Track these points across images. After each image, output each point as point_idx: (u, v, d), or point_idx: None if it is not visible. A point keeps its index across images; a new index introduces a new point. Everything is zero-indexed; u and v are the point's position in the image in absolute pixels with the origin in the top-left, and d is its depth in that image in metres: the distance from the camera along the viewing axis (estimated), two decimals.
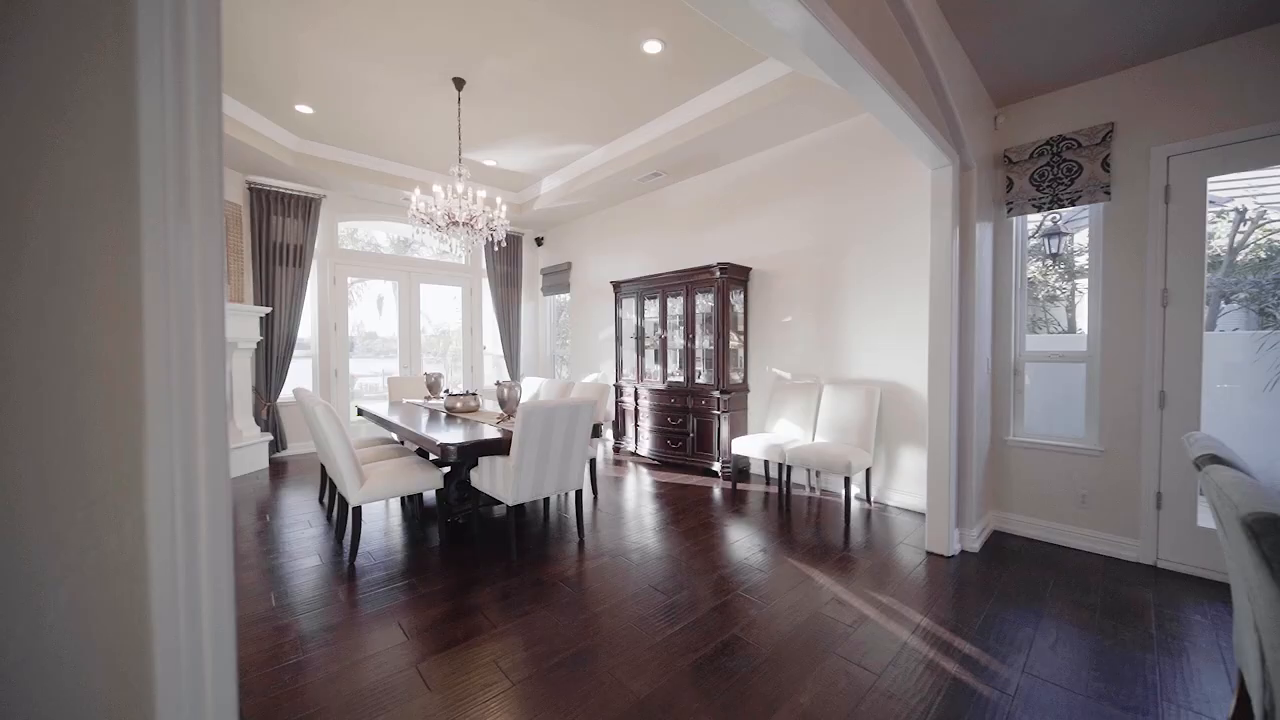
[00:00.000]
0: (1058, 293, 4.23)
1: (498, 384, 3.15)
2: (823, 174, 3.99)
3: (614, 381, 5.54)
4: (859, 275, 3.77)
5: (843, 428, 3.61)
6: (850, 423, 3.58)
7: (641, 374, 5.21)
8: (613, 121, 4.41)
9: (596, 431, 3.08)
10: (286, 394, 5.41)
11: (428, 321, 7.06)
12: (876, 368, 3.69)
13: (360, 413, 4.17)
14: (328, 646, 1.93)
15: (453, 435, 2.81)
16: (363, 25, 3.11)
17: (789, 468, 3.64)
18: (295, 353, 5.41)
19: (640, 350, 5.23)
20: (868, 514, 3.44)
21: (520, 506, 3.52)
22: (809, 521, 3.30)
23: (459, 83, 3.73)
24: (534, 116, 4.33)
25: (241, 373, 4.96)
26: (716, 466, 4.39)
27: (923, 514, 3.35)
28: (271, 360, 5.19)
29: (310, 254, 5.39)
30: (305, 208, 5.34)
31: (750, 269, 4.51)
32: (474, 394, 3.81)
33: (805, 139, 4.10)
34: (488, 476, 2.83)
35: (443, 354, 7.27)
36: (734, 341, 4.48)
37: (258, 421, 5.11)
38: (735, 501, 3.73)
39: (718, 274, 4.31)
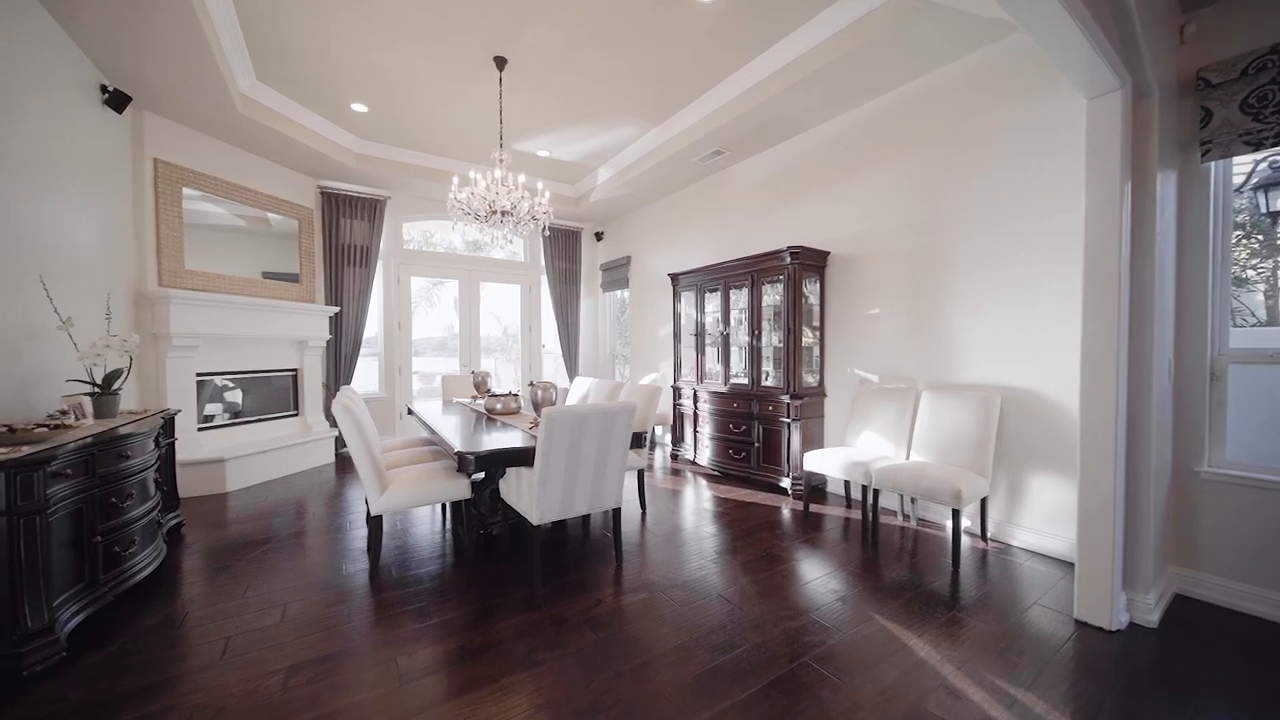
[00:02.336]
0: (1250, 272, 3.17)
1: (531, 384, 2.84)
2: (923, 133, 3.26)
3: (672, 382, 5.09)
4: (972, 253, 3.02)
5: (948, 444, 2.89)
6: (958, 438, 2.85)
7: (701, 375, 4.71)
8: (667, 94, 3.97)
9: (639, 441, 2.67)
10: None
11: (496, 321, 7.06)
12: (995, 369, 2.92)
13: (410, 412, 4.10)
14: (313, 685, 1.68)
15: (475, 441, 2.52)
16: (393, 5, 2.93)
17: (876, 490, 2.98)
18: (364, 350, 5.57)
19: (700, 348, 4.74)
20: (983, 556, 2.70)
21: (559, 522, 3.19)
22: (903, 561, 2.64)
23: (500, 62, 3.48)
24: (582, 98, 4.00)
25: (312, 370, 5.15)
26: (785, 483, 3.79)
27: (1066, 563, 2.56)
28: (340, 358, 5.36)
29: (375, 254, 5.50)
30: (370, 209, 5.45)
31: (828, 253, 3.86)
32: (515, 394, 3.55)
33: (899, 92, 3.39)
34: (514, 489, 2.52)
35: (506, 353, 7.25)
36: (808, 338, 3.86)
37: (327, 417, 5.29)
38: (807, 527, 3.14)
39: (788, 260, 3.71)
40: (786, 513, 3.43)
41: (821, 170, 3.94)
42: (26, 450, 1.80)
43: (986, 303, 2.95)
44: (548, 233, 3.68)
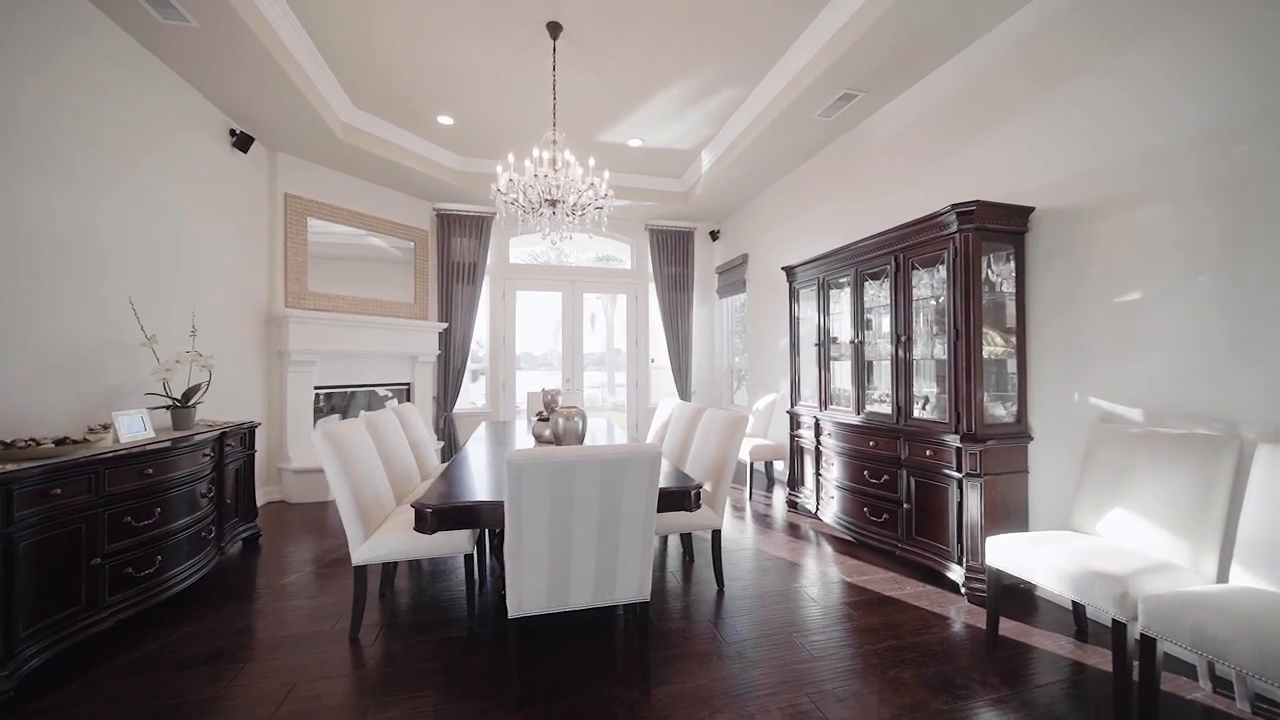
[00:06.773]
0: None
1: (554, 411, 2.16)
2: None
3: (789, 408, 3.96)
4: None
5: None
6: None
7: (825, 399, 3.51)
8: (763, 29, 3.01)
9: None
10: (461, 404, 5.66)
11: (625, 334, 6.65)
12: None
13: None
14: None
15: (463, 483, 1.92)
16: None
17: (1149, 635, 1.55)
18: (471, 365, 5.62)
19: (823, 363, 3.54)
20: None
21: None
22: None
23: (554, 29, 2.97)
24: (657, 58, 3.28)
25: (423, 383, 5.32)
26: (955, 573, 2.42)
27: None
28: (449, 372, 5.45)
29: (482, 270, 5.54)
30: (477, 226, 5.51)
31: (1030, 210, 2.43)
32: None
33: None
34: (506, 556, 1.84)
35: (619, 368, 6.79)
36: (995, 346, 2.46)
37: (435, 430, 5.40)
38: (994, 668, 1.82)
39: (953, 225, 2.40)
40: (957, 628, 2.12)
41: (1010, 88, 2.54)
42: (11, 468, 1.73)
43: None
44: (605, 226, 3.03)
